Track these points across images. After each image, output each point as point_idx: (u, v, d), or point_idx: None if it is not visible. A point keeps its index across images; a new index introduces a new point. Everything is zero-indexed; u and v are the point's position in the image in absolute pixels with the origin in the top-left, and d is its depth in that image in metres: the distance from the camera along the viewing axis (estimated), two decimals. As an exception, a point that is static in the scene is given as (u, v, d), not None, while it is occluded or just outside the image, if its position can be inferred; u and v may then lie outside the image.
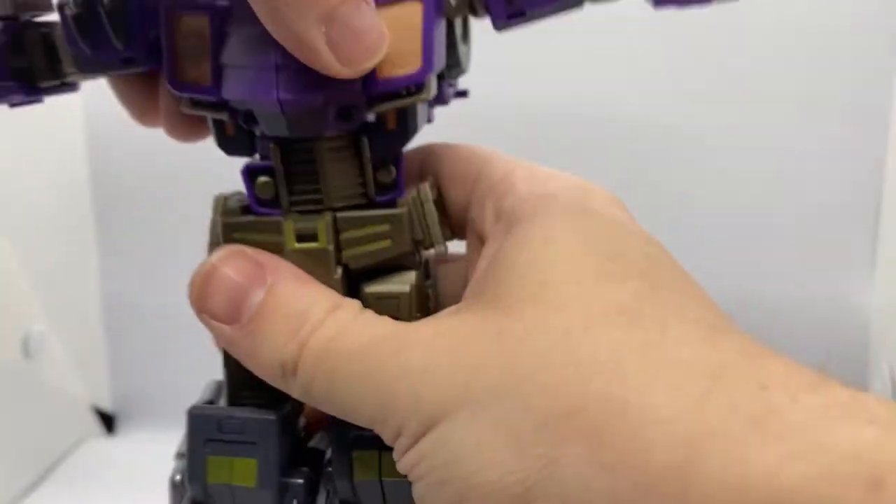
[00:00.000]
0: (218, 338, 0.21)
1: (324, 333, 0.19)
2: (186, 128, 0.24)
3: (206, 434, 0.22)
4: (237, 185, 0.23)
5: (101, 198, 0.58)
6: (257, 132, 0.21)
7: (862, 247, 0.56)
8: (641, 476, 0.14)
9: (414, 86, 0.20)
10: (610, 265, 0.18)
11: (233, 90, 0.20)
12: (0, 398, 0.50)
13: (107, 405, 0.64)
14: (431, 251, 0.22)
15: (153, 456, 0.59)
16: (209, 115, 0.21)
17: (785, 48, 0.54)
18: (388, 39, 0.18)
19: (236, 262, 0.20)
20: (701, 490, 0.13)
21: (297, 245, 0.21)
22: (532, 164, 0.22)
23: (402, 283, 0.21)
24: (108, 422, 0.64)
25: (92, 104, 0.56)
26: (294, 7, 0.17)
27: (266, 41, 0.18)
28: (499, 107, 0.50)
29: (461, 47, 0.23)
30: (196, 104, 0.21)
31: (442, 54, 0.21)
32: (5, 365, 0.51)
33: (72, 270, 0.59)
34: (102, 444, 0.61)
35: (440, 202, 0.22)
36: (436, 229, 0.22)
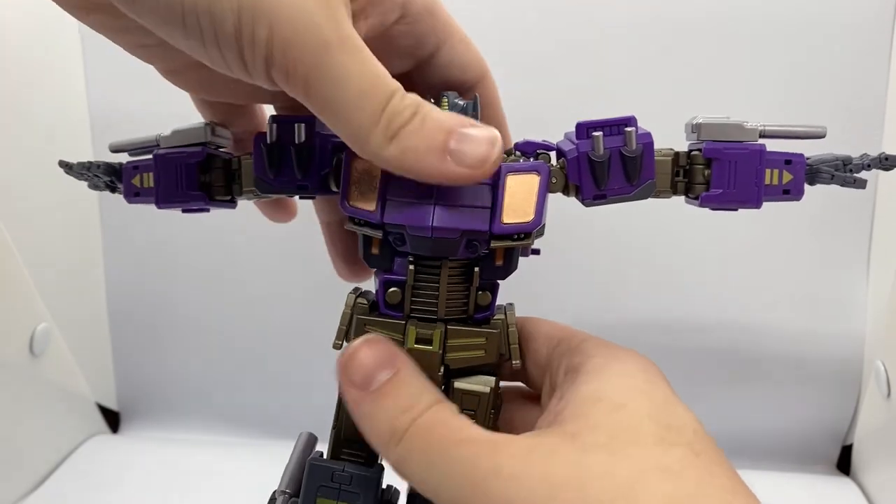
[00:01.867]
0: (349, 401, 0.26)
1: (433, 416, 0.24)
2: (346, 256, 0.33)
3: (320, 481, 0.28)
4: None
5: (107, 199, 0.58)
6: (400, 249, 0.27)
7: (857, 247, 0.57)
8: None
9: (523, 233, 0.26)
10: (666, 434, 0.23)
11: (395, 217, 0.25)
12: (7, 396, 0.51)
13: (111, 403, 0.64)
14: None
15: (157, 453, 0.60)
16: (368, 232, 0.27)
17: (780, 49, 0.54)
18: (500, 140, 0.23)
19: (376, 346, 0.26)
20: None
21: (416, 346, 0.27)
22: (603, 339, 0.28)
23: (485, 385, 0.27)
24: (112, 419, 0.64)
25: (96, 106, 0.57)
26: (417, 158, 0.23)
27: (428, 185, 0.25)
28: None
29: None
30: (358, 224, 0.27)
31: (545, 214, 0.26)
32: (12, 363, 0.51)
33: (77, 271, 0.60)
34: (107, 442, 0.61)
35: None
36: (515, 347, 0.28)
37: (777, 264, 0.57)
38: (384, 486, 0.29)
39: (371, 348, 0.26)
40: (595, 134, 0.26)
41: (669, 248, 0.57)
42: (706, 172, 0.28)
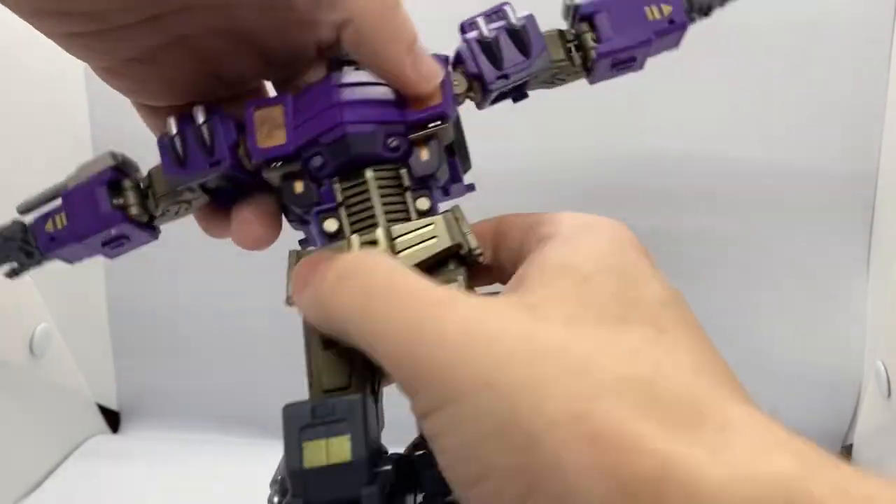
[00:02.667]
0: (301, 306, 0.25)
1: (378, 260, 0.22)
2: (253, 239, 0.30)
3: (300, 422, 0.24)
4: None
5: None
6: (322, 175, 0.26)
7: (857, 247, 0.57)
8: (629, 482, 0.18)
9: (438, 118, 0.26)
10: (629, 310, 0.21)
11: (307, 131, 0.25)
12: (7, 396, 0.51)
13: (111, 403, 0.64)
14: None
15: (157, 452, 0.60)
16: (286, 169, 0.26)
17: (780, 49, 0.54)
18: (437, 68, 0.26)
19: (308, 259, 0.25)
20: (669, 497, 0.17)
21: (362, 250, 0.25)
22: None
23: (454, 277, 0.25)
24: (112, 419, 0.64)
25: (97, 108, 0.57)
26: (390, 44, 0.24)
27: (330, 91, 0.26)
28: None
29: (465, 152, 0.29)
30: (274, 167, 0.26)
31: (454, 109, 0.27)
32: (12, 364, 0.51)
33: (77, 271, 0.60)
34: (107, 441, 0.61)
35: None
36: (471, 236, 0.26)
37: (777, 264, 0.57)
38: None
39: (310, 256, 0.25)
40: (476, 19, 0.28)
41: (670, 246, 0.57)
42: (592, 36, 0.29)
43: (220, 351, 0.62)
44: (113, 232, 0.29)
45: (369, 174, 0.26)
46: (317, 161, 0.26)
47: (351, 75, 0.26)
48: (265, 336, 0.60)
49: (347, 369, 0.25)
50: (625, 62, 0.29)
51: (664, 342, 0.21)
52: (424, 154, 0.26)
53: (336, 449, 0.24)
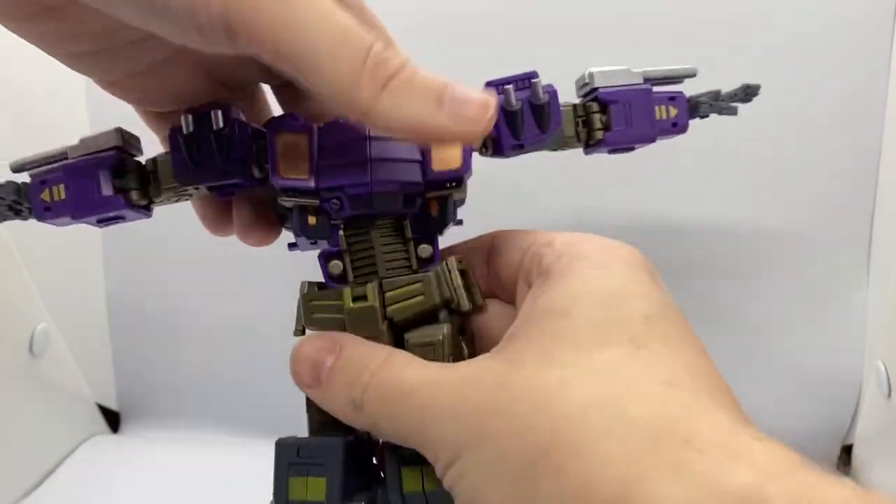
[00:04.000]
0: (313, 398, 0.27)
1: (382, 375, 0.24)
2: (257, 236, 0.32)
3: (288, 459, 0.27)
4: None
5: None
6: (335, 217, 0.27)
7: (857, 247, 0.57)
8: None
9: (454, 181, 0.27)
10: (606, 332, 0.22)
11: (332, 180, 0.26)
12: (7, 396, 0.51)
13: (112, 403, 0.64)
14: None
15: (157, 453, 0.60)
16: (304, 202, 0.27)
17: (780, 49, 0.54)
18: (494, 102, 0.23)
19: (314, 339, 0.26)
20: None
21: (353, 304, 0.27)
22: (574, 232, 0.27)
23: (436, 334, 0.27)
24: (112, 419, 0.64)
25: (96, 108, 0.57)
26: (411, 114, 0.22)
27: (358, 146, 0.26)
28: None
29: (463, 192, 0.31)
30: (292, 196, 0.27)
31: (470, 163, 0.28)
32: (12, 363, 0.51)
33: (77, 271, 0.60)
34: (107, 442, 0.61)
35: (468, 273, 0.28)
36: (460, 291, 0.27)
37: (777, 264, 0.57)
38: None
39: (310, 341, 0.26)
40: (507, 87, 0.28)
41: (667, 249, 0.57)
42: (602, 118, 0.30)
43: (220, 351, 0.62)
44: (111, 214, 0.29)
45: (374, 233, 0.28)
46: (335, 204, 0.27)
47: None
48: (265, 336, 0.60)
49: None
50: (623, 149, 0.31)
51: (640, 358, 0.21)
52: (434, 210, 0.28)
53: (314, 488, 0.27)
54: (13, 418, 0.51)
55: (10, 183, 0.30)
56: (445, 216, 0.28)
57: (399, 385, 0.24)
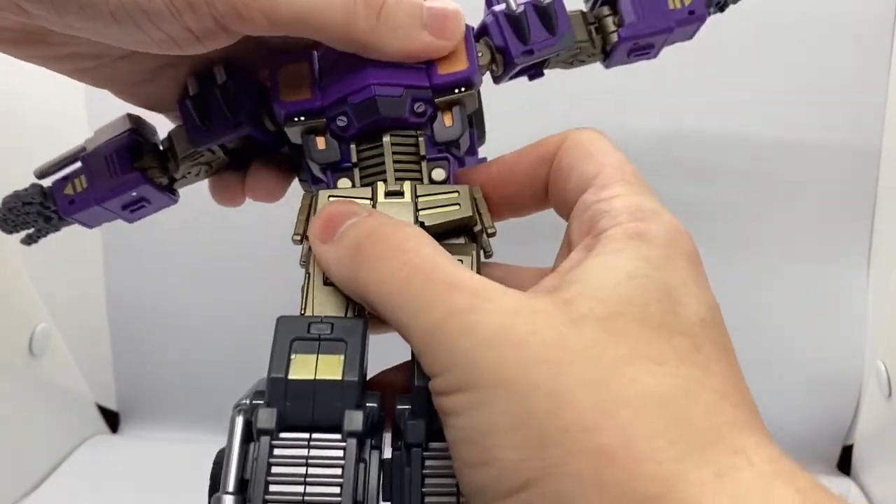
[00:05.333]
0: (319, 258, 0.24)
1: (411, 240, 0.22)
2: (266, 190, 0.31)
3: (293, 334, 0.23)
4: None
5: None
6: (345, 134, 0.26)
7: (857, 247, 0.56)
8: (625, 499, 0.18)
9: (463, 84, 0.26)
10: (670, 319, 0.21)
11: (336, 91, 0.25)
12: (6, 396, 0.51)
13: (111, 403, 0.64)
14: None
15: (156, 453, 0.60)
16: (310, 123, 0.26)
17: (780, 49, 0.54)
18: (461, 10, 0.24)
19: (343, 202, 0.25)
20: None
21: (386, 199, 0.25)
22: (645, 188, 0.25)
23: (468, 251, 0.25)
24: (112, 419, 0.64)
25: (94, 108, 0.57)
26: (404, 34, 0.24)
27: (357, 57, 0.25)
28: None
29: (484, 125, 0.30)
30: (297, 122, 0.26)
31: (479, 77, 0.27)
32: (12, 364, 0.51)
33: (77, 271, 0.60)
34: (107, 442, 0.61)
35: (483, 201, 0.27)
36: (487, 216, 0.26)
37: (777, 264, 0.57)
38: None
39: (338, 204, 0.25)
40: None
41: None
42: (615, 20, 0.29)
43: (219, 351, 0.62)
44: (134, 194, 0.29)
45: (386, 139, 0.26)
46: (342, 121, 0.26)
47: None
48: (265, 337, 0.59)
49: (344, 305, 0.25)
50: (643, 49, 0.30)
51: (698, 359, 0.20)
52: (448, 120, 0.26)
53: (326, 367, 0.23)
54: (13, 418, 0.51)
55: (34, 185, 0.30)
56: (461, 128, 0.26)
57: (426, 267, 0.21)
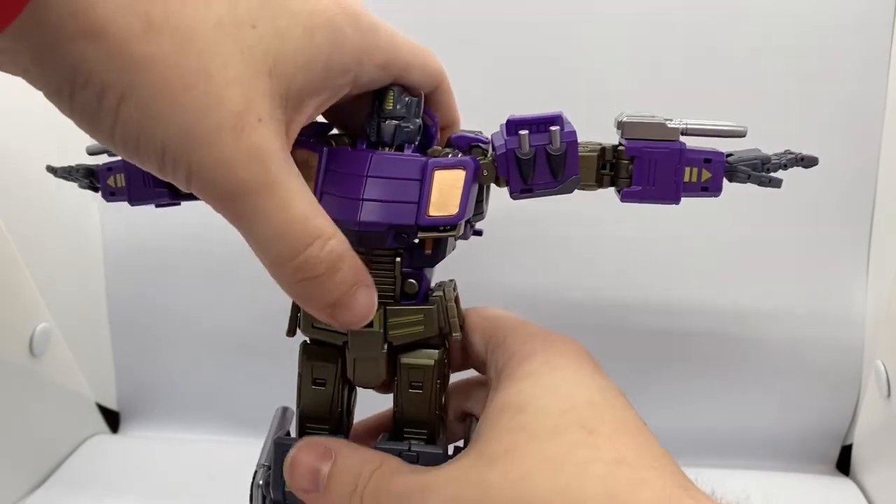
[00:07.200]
0: (308, 502, 0.29)
1: (375, 483, 0.27)
2: None
3: (284, 456, 0.29)
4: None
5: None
6: None
7: (856, 247, 0.57)
8: None
9: (450, 226, 0.27)
10: (558, 420, 0.25)
11: (329, 211, 0.26)
12: (7, 396, 0.51)
13: (111, 403, 0.64)
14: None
15: (156, 453, 0.60)
16: None
17: (780, 49, 0.54)
18: (373, 311, 0.26)
19: (309, 447, 0.29)
20: None
21: (359, 329, 0.28)
22: (527, 323, 0.31)
23: (429, 358, 0.29)
24: (112, 419, 0.64)
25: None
26: (317, 307, 0.26)
27: (357, 181, 0.27)
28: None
29: (485, 204, 0.31)
30: None
31: (472, 207, 0.29)
32: (12, 363, 0.51)
33: (77, 271, 0.60)
34: (107, 442, 0.61)
35: (458, 301, 0.32)
36: (454, 321, 0.30)
37: (777, 264, 0.57)
38: None
39: (305, 450, 0.29)
40: (521, 133, 0.28)
41: (667, 248, 0.57)
42: (630, 167, 0.29)
43: (220, 351, 0.62)
44: (164, 201, 0.32)
45: (366, 261, 0.28)
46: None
47: (384, 163, 0.27)
48: (265, 337, 0.60)
49: (327, 407, 0.30)
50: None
51: (590, 442, 0.24)
52: (429, 250, 0.29)
53: None
54: (13, 418, 0.51)
55: (81, 166, 0.34)
56: (438, 254, 0.29)
57: (392, 492, 0.27)
